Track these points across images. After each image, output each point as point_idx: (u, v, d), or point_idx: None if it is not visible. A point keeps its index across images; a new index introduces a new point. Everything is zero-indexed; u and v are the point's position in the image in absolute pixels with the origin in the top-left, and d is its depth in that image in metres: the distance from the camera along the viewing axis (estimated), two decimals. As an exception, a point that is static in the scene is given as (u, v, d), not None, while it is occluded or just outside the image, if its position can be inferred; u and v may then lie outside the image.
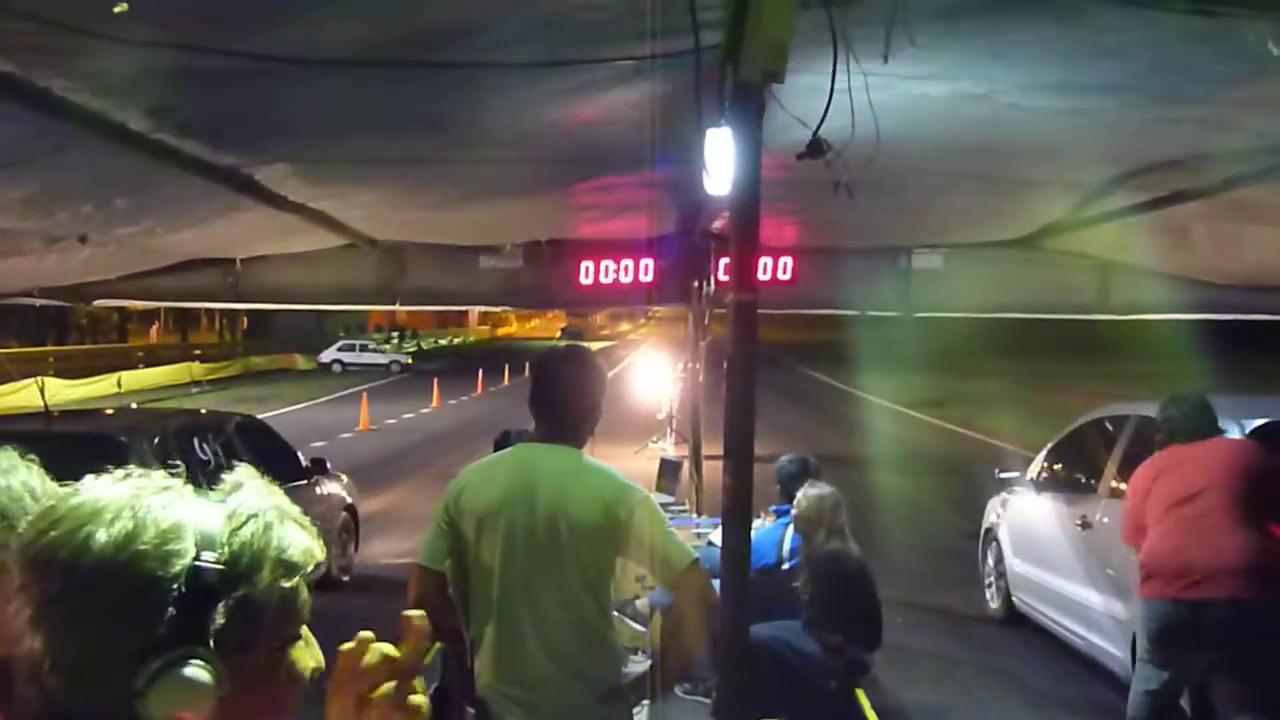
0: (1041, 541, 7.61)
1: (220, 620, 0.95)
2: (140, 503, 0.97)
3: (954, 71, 3.43)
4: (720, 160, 3.70)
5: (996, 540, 8.53)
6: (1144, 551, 4.78)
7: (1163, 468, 4.89)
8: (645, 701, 4.85)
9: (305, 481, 8.68)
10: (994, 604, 8.53)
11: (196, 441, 7.43)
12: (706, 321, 8.80)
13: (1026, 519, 7.99)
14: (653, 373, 11.65)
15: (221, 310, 49.58)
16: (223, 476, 1.06)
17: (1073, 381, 26.14)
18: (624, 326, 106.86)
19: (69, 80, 3.40)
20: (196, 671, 0.93)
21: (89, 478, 1.01)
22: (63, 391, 28.06)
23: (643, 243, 7.97)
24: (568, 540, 2.74)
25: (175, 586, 0.94)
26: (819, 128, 2.79)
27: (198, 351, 44.92)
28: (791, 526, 5.35)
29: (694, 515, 7.37)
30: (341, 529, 9.31)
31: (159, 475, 1.02)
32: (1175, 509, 4.68)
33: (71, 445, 6.47)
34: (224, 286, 8.52)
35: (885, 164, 4.15)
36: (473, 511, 2.81)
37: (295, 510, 1.07)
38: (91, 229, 5.69)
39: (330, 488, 9.31)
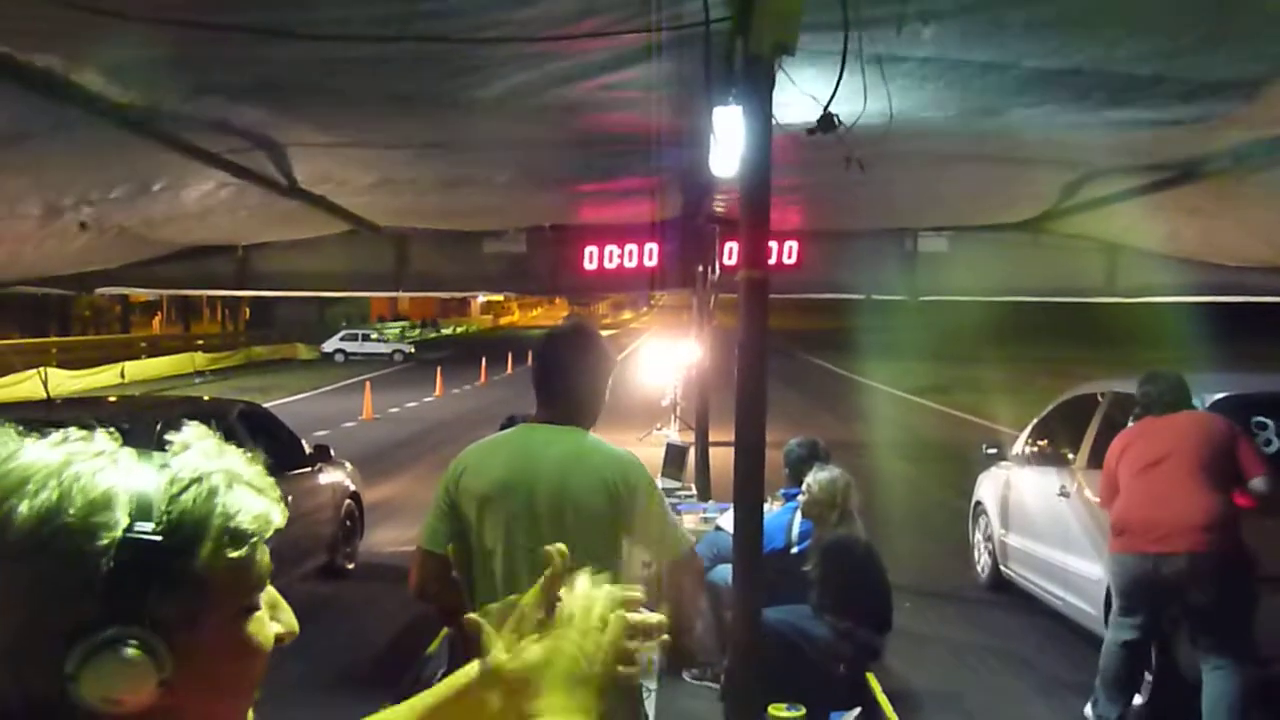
0: (1025, 512, 8.00)
1: (158, 596, 0.88)
2: (69, 470, 0.89)
3: (964, 50, 3.38)
4: (728, 139, 3.66)
5: (985, 513, 8.88)
6: (1114, 511, 5.29)
7: (1133, 438, 5.41)
8: (653, 687, 4.83)
9: (309, 469, 8.67)
10: (983, 574, 8.88)
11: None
12: (711, 307, 8.76)
13: (1012, 492, 8.37)
14: (656, 360, 11.61)
15: (224, 300, 49.64)
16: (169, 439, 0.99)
17: (1079, 367, 26.04)
18: (626, 315, 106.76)
19: (68, 60, 3.36)
20: (131, 652, 0.86)
21: (28, 440, 0.93)
22: (66, 382, 28.06)
23: (646, 227, 7.92)
24: (572, 522, 2.68)
25: (104, 561, 0.86)
26: (830, 102, 2.73)
27: (200, 342, 44.89)
28: (800, 511, 5.31)
29: (700, 501, 7.35)
30: (346, 517, 9.29)
31: (100, 438, 0.95)
32: (1143, 473, 5.19)
33: None
34: (227, 274, 8.50)
35: (892, 145, 4.12)
36: (473, 492, 2.75)
37: (250, 472, 0.99)
38: (90, 215, 5.65)
39: (334, 475, 9.26)
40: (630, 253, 7.94)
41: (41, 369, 22.51)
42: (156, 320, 59.84)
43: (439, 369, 31.96)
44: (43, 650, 0.86)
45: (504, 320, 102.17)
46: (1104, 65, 3.60)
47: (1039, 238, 7.98)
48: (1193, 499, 5.04)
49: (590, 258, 7.92)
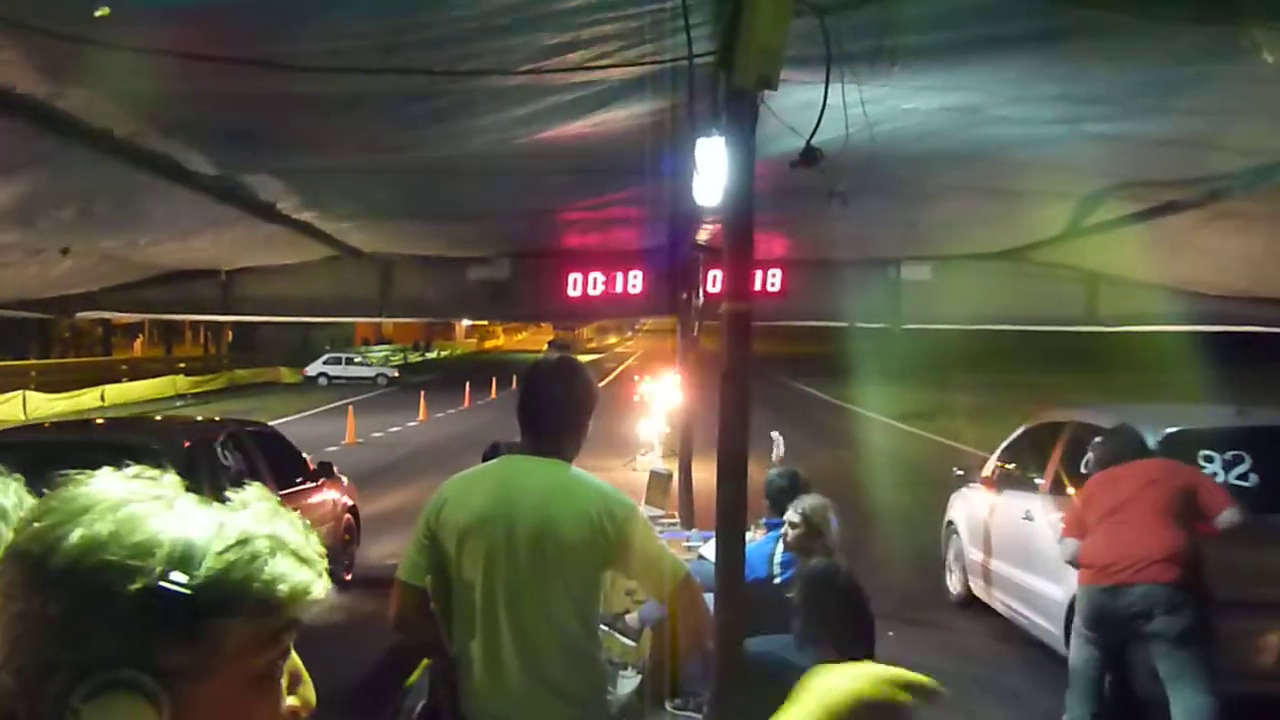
0: (993, 533, 8.42)
1: (177, 647, 0.88)
2: (126, 508, 0.90)
3: (945, 83, 3.42)
4: (711, 170, 3.69)
5: (957, 533, 9.33)
6: (1082, 551, 5.70)
7: (1095, 488, 5.81)
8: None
9: (314, 484, 9.22)
10: (954, 589, 9.34)
11: (219, 448, 7.96)
12: (696, 334, 8.79)
13: (981, 513, 8.76)
14: (641, 385, 11.65)
15: (206, 323, 49.44)
16: (226, 489, 1.00)
17: (1063, 394, 26.15)
18: (611, 339, 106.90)
19: (54, 87, 3.37)
20: (134, 698, 0.86)
21: (105, 470, 0.95)
22: (45, 405, 27.89)
23: (631, 254, 7.96)
24: (552, 556, 2.67)
25: (132, 604, 0.87)
26: (813, 135, 2.76)
27: (182, 365, 44.74)
28: (784, 544, 5.29)
29: (684, 529, 7.33)
30: (345, 530, 9.88)
31: (167, 479, 0.96)
32: (1107, 518, 5.62)
33: (108, 452, 6.69)
34: (211, 298, 8.50)
35: (876, 174, 4.16)
36: (454, 525, 2.74)
37: (299, 540, 0.98)
38: (73, 240, 5.64)
39: (335, 490, 9.85)
40: (615, 280, 7.97)
41: (21, 392, 22.39)
42: (138, 343, 59.54)
43: (422, 393, 31.87)
44: (55, 676, 0.86)
45: (489, 344, 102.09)
46: (1082, 92, 3.65)
47: (1021, 266, 8.05)
48: (1153, 537, 5.44)
49: (574, 284, 7.94)
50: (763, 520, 5.72)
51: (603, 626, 4.99)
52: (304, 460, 9.46)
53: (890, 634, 7.32)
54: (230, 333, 59.09)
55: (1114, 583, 5.48)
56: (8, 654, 0.88)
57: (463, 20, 3.02)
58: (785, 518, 5.18)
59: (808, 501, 5.17)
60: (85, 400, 30.88)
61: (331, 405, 32.53)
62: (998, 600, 8.14)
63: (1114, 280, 7.96)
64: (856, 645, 5.12)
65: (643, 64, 3.29)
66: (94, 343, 52.93)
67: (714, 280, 7.82)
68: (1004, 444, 8.93)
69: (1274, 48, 2.43)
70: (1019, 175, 4.96)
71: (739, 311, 2.53)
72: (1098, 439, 6.03)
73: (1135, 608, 5.42)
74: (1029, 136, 4.05)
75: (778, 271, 8.10)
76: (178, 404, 33.34)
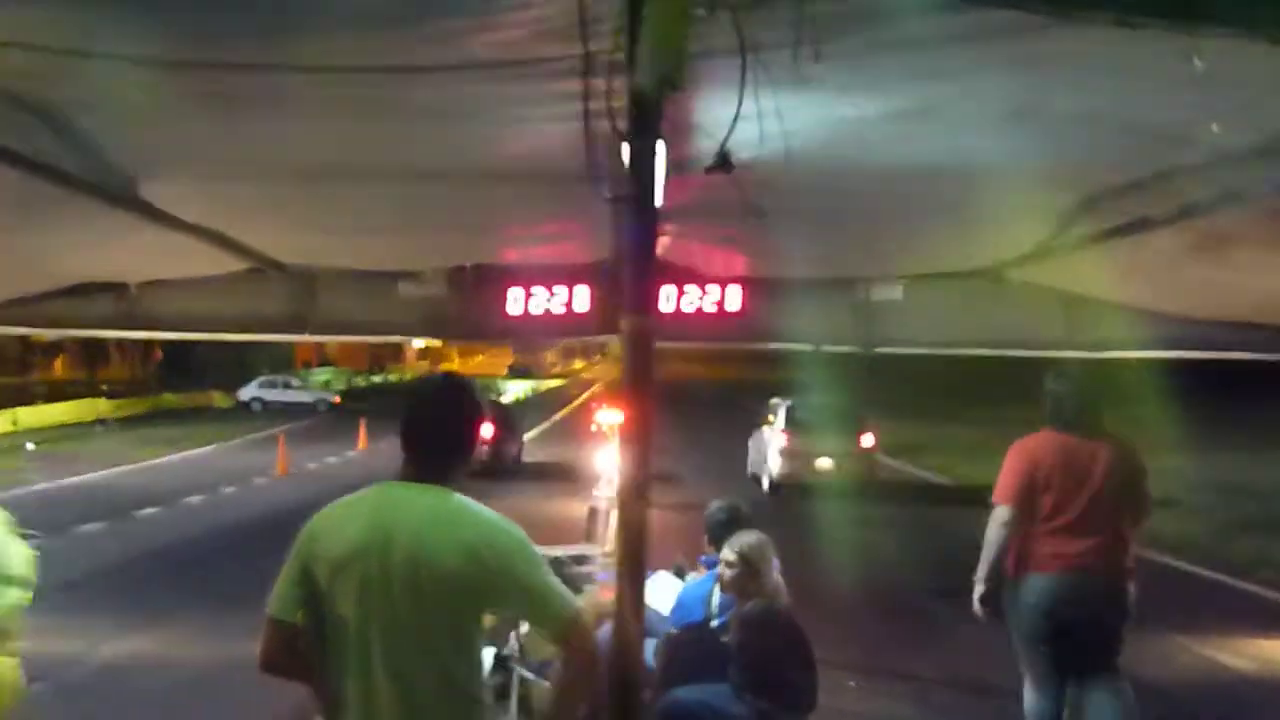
0: (754, 446, 25.79)
1: None
2: None
3: (882, 88, 3.43)
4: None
5: (748, 450, 26.08)
6: (1033, 540, 6.47)
7: (1054, 458, 6.72)
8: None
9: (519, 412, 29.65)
10: (748, 474, 25.37)
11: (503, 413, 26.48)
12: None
13: (755, 438, 25.68)
14: (603, 414, 11.63)
15: (132, 341, 49.03)
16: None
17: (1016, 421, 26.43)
18: (577, 364, 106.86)
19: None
20: None
21: None
22: (-51, 430, 27.51)
23: (577, 269, 7.89)
24: (430, 590, 2.64)
25: None
26: (726, 140, 2.77)
27: (104, 386, 44.30)
28: (720, 585, 5.25)
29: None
30: (521, 437, 25.68)
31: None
32: (1062, 509, 6.44)
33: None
34: (117, 314, 8.33)
35: (824, 187, 4.16)
36: (326, 557, 2.71)
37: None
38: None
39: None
40: (559, 297, 7.89)
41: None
42: (58, 362, 58.92)
43: (363, 420, 31.66)
44: None
45: (443, 367, 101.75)
46: (1039, 107, 3.68)
47: (997, 287, 8.05)
48: (1101, 532, 6.33)
49: (515, 301, 7.85)
50: (700, 559, 5.68)
51: (529, 674, 4.96)
52: (509, 409, 27.19)
53: (851, 684, 7.32)
54: (161, 353, 58.54)
55: (1059, 570, 6.24)
56: None
57: (357, 7, 3.01)
58: (720, 556, 5.15)
59: (745, 539, 5.13)
60: (-6, 424, 30.50)
61: (268, 432, 32.30)
62: (754, 472, 24.74)
63: (1095, 303, 7.98)
64: (795, 694, 5.10)
65: (558, 58, 3.28)
66: (10, 361, 52.36)
67: (667, 298, 7.79)
68: (767, 412, 24.19)
69: (1204, 53, 2.47)
70: (978, 187, 4.97)
71: (639, 328, 2.52)
72: (1053, 378, 7.36)
73: (1099, 599, 6.20)
74: (979, 144, 4.08)
75: (738, 289, 8.07)
76: (98, 428, 32.99)
